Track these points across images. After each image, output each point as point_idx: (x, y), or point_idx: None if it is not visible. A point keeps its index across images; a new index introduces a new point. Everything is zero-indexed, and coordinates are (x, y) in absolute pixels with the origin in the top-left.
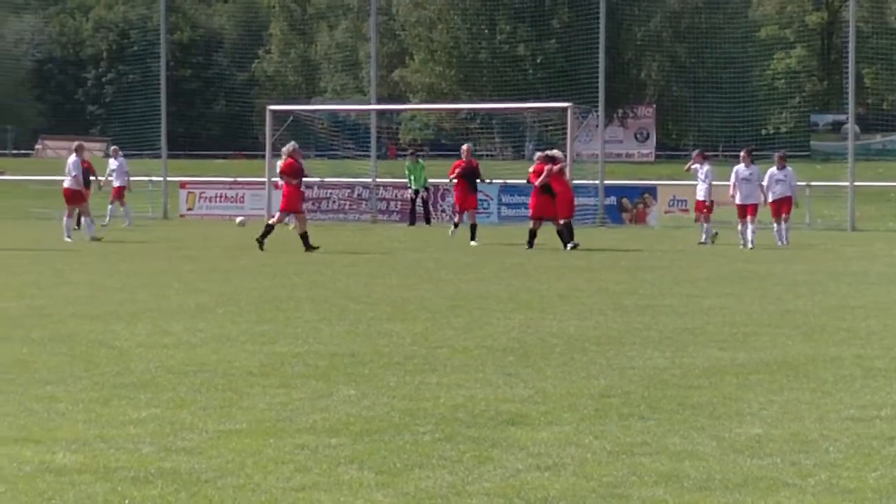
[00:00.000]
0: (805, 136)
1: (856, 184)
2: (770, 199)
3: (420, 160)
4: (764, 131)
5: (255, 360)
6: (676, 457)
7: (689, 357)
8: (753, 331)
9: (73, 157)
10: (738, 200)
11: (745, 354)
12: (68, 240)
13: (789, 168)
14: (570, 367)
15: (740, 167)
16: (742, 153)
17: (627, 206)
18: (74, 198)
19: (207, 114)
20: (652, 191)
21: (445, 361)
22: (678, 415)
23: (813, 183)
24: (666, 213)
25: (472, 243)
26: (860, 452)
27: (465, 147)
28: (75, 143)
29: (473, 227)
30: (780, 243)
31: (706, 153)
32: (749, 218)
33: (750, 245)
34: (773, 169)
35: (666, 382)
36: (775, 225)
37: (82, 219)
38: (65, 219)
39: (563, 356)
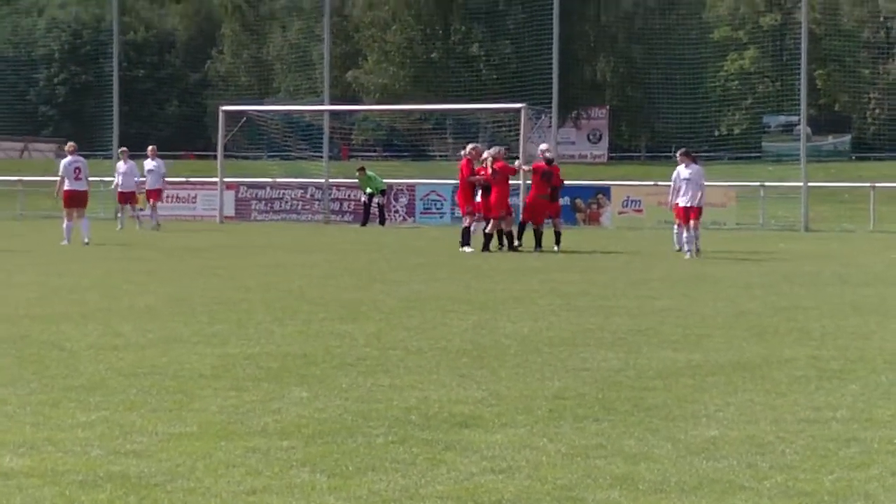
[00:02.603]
0: (758, 138)
1: (809, 184)
2: (678, 202)
3: (369, 173)
4: (717, 132)
5: (206, 362)
6: (631, 459)
7: (644, 358)
8: (707, 332)
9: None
10: (680, 203)
11: (699, 356)
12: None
13: (696, 165)
14: (525, 369)
15: (680, 168)
16: (678, 154)
17: (581, 206)
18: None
19: (160, 114)
20: (605, 191)
21: (399, 363)
22: (633, 417)
23: (766, 183)
24: (620, 213)
25: (466, 249)
26: (816, 454)
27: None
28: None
29: (510, 234)
30: (687, 254)
31: (691, 153)
32: (692, 223)
33: (687, 254)
34: (680, 167)
35: (620, 384)
36: (680, 230)
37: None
38: (66, 222)
39: (517, 358)
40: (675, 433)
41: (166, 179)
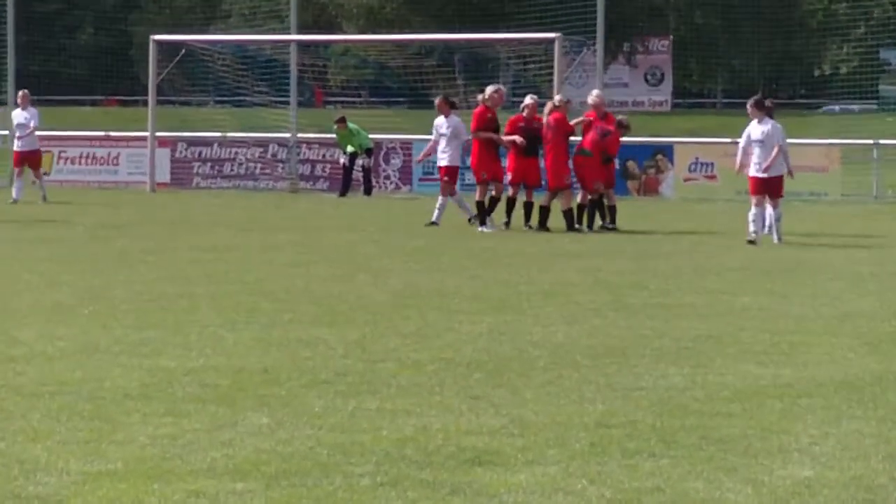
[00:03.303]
0: (873, 79)
1: None
2: (749, 171)
3: (350, 125)
4: (818, 72)
5: (133, 379)
6: None
7: (716, 375)
8: (802, 340)
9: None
10: (750, 172)
11: (790, 371)
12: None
13: (772, 121)
14: (558, 388)
15: (752, 125)
16: (749, 104)
17: (634, 171)
18: None
19: (70, 46)
20: (667, 151)
21: (390, 380)
22: (701, 451)
23: (882, 141)
24: (686, 180)
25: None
26: None
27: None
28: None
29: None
30: (753, 234)
31: (767, 102)
32: (769, 198)
33: (775, 238)
34: (752, 124)
35: (685, 408)
36: (758, 211)
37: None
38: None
39: (547, 373)
40: (758, 473)
41: (39, 133)
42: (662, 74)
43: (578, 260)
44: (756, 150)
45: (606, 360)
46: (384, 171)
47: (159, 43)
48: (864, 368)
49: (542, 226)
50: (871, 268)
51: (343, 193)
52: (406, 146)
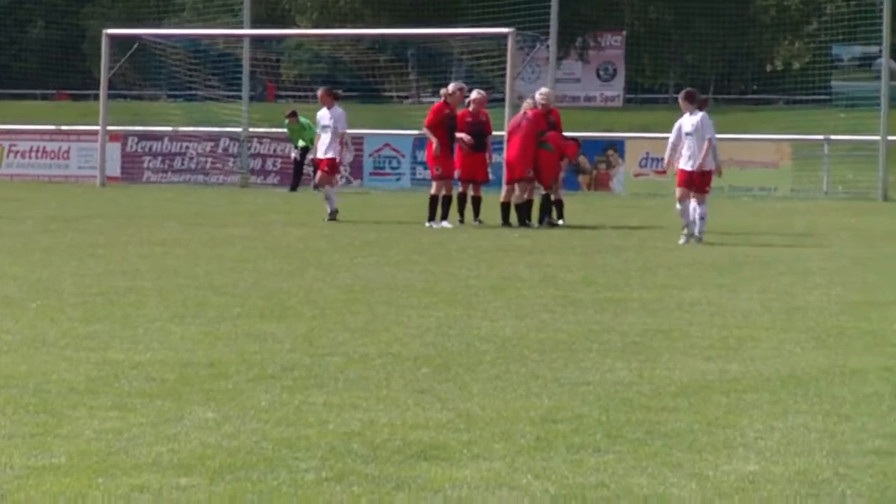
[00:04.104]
0: (824, 75)
1: (889, 138)
2: (677, 164)
3: (302, 119)
4: (770, 67)
5: (79, 372)
6: (644, 502)
7: (663, 369)
8: (750, 335)
9: None
10: (679, 164)
11: (737, 366)
12: None
13: (702, 113)
14: (505, 383)
15: (684, 118)
16: (680, 97)
17: (585, 166)
18: None
19: (22, 39)
20: (619, 146)
21: (337, 374)
22: (647, 446)
23: (833, 137)
24: (636, 175)
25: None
26: (887, 497)
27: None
28: None
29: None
30: (682, 237)
31: (698, 94)
32: (694, 194)
33: (696, 234)
34: (684, 117)
35: (631, 403)
36: (684, 205)
37: None
38: None
39: (495, 368)
40: (703, 468)
41: None
42: (615, 70)
43: (527, 255)
44: (687, 142)
45: (554, 355)
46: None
47: (112, 37)
48: (811, 363)
49: (506, 221)
50: (820, 263)
51: (294, 188)
52: (358, 141)
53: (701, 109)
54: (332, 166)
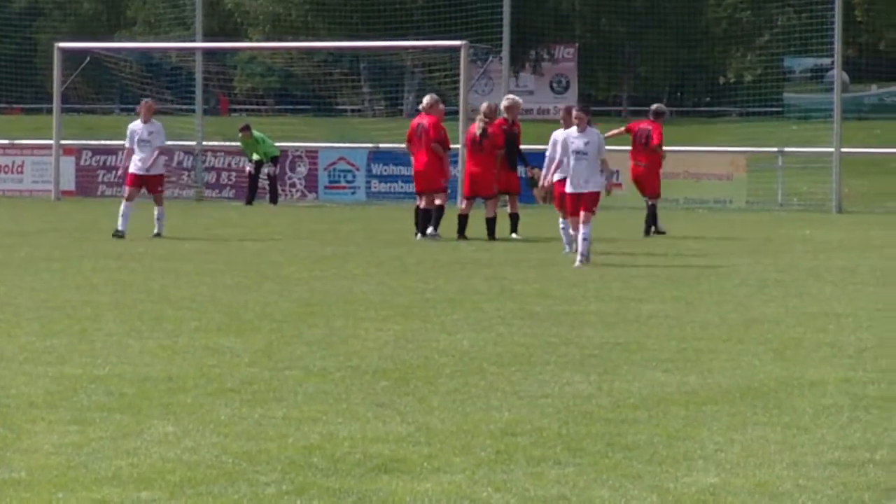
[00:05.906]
0: (777, 87)
1: (843, 150)
2: (564, 186)
3: (255, 133)
4: (722, 79)
5: (38, 387)
6: None
7: (622, 381)
8: (708, 347)
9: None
10: (567, 188)
11: (696, 378)
12: None
13: (595, 131)
14: (464, 396)
15: (570, 132)
16: (575, 112)
17: (539, 178)
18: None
19: None
20: None
21: (296, 388)
22: (607, 459)
23: (787, 149)
24: None
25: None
26: None
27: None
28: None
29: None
30: (577, 261)
31: (590, 110)
32: (583, 215)
33: (578, 259)
34: (571, 131)
35: (590, 416)
36: (562, 222)
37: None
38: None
39: (453, 381)
40: (663, 480)
41: None
42: (568, 82)
43: (484, 268)
44: (576, 164)
45: (512, 368)
46: (290, 179)
47: (64, 50)
48: (769, 374)
49: (462, 234)
50: (776, 274)
51: (249, 202)
52: (312, 154)
53: (590, 126)
54: (160, 182)
